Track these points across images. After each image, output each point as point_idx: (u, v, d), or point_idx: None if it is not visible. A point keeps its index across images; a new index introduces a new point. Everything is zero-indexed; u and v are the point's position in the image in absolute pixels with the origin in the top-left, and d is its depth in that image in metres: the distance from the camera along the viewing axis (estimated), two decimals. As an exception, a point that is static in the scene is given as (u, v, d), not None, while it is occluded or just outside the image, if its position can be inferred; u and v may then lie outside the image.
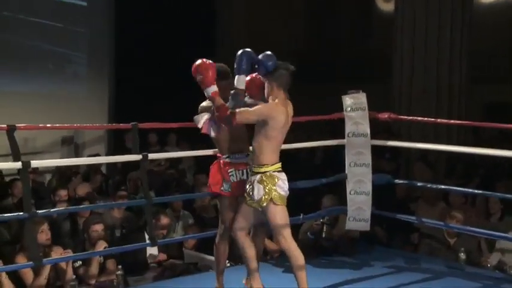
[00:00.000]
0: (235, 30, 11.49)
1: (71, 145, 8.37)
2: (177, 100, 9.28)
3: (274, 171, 3.47)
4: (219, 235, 3.82)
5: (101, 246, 4.48)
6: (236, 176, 3.70)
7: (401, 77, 8.97)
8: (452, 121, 6.99)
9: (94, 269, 4.47)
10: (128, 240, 4.70)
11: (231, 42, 11.15)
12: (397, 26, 9.06)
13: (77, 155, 8.19)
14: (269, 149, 3.46)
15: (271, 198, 3.44)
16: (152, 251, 4.97)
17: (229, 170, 3.69)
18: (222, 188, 3.71)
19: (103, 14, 8.77)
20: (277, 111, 3.42)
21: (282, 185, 3.47)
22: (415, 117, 5.52)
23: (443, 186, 5.06)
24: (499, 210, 5.50)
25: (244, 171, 3.69)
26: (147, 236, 4.87)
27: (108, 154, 8.21)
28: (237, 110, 3.37)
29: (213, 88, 3.42)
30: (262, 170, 3.46)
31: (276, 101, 3.45)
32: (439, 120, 5.52)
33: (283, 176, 3.50)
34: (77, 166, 7.14)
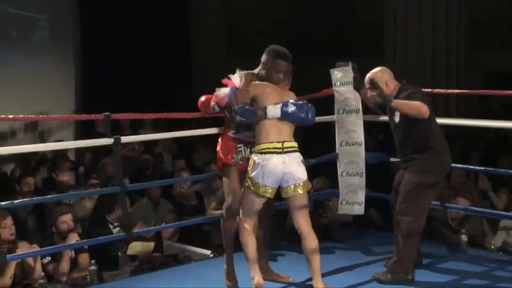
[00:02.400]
0: (210, 4, 11.42)
1: (35, 131, 8.29)
2: (150, 77, 9.26)
3: (257, 152, 3.54)
4: (226, 212, 3.82)
5: (72, 239, 4.46)
6: (244, 152, 3.77)
7: (394, 48, 8.97)
8: (450, 90, 7.01)
9: (65, 264, 4.44)
10: (94, 232, 4.67)
11: (207, 20, 11.11)
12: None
13: (42, 141, 8.12)
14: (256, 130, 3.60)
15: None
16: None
17: (238, 146, 3.78)
18: (233, 160, 3.77)
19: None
20: (262, 85, 3.60)
21: (255, 167, 3.50)
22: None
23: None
24: (489, 186, 5.58)
25: (249, 150, 3.76)
26: (110, 226, 4.86)
27: (76, 139, 8.14)
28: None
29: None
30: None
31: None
32: (436, 90, 5.52)
33: (266, 156, 3.49)
34: (44, 154, 7.09)
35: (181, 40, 10.44)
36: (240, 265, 3.83)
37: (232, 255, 3.91)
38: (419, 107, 3.74)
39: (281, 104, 3.57)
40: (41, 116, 3.88)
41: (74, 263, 4.54)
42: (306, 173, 3.58)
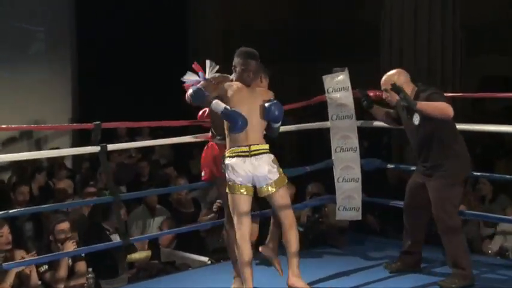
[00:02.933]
0: (207, 8, 11.43)
1: (31, 139, 8.30)
2: (147, 87, 9.27)
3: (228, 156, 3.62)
4: (228, 223, 3.85)
5: (70, 247, 4.46)
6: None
7: (390, 51, 8.99)
8: (445, 94, 7.00)
9: (62, 272, 4.42)
10: (91, 240, 4.68)
11: (204, 21, 11.10)
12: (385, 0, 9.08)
13: (39, 149, 8.12)
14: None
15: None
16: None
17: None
18: (223, 170, 3.74)
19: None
20: (229, 86, 3.67)
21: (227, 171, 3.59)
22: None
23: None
24: (490, 192, 5.59)
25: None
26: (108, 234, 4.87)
27: (73, 147, 8.15)
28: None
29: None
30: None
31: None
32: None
33: (233, 160, 3.58)
34: (40, 162, 7.10)
35: (179, 44, 10.44)
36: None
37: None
38: (445, 108, 3.69)
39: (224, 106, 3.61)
40: (32, 125, 3.93)
41: (71, 271, 4.54)
42: (277, 171, 3.63)
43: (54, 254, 4.38)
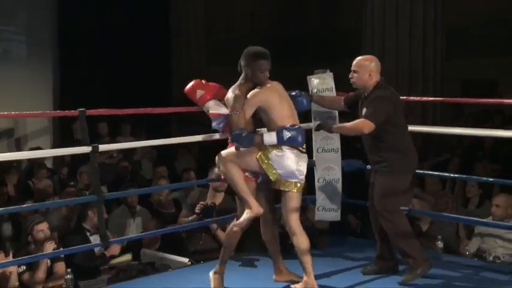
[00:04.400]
0: (192, 7, 11.42)
1: (11, 138, 8.23)
2: (131, 85, 9.22)
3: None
4: (239, 221, 3.85)
5: (49, 248, 4.43)
6: None
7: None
8: (425, 98, 7.09)
9: (41, 273, 4.40)
10: (70, 240, 4.65)
11: (187, 26, 11.10)
12: (367, 2, 9.13)
13: (18, 149, 8.05)
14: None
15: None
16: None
17: None
18: (247, 174, 3.82)
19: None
20: (263, 93, 3.72)
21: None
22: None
23: (416, 171, 5.12)
24: (477, 194, 5.62)
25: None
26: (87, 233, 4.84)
27: (54, 147, 8.09)
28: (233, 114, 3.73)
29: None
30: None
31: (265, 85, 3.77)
32: (411, 98, 5.60)
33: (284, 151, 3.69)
34: (18, 162, 7.03)
35: (162, 48, 10.41)
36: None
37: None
38: (359, 127, 3.90)
39: (276, 132, 3.70)
40: (13, 113, 3.91)
41: (50, 272, 4.51)
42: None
43: (33, 255, 4.35)
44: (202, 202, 4.91)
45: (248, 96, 3.74)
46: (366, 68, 4.04)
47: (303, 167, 3.77)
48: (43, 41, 8.65)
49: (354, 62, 4.12)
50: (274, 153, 3.69)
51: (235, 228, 3.87)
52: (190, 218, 4.98)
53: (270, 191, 3.91)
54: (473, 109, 9.05)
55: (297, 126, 3.73)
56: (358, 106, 4.11)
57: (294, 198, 3.75)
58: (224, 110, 3.90)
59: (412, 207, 4.99)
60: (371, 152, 4.09)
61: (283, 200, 3.78)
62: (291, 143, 3.70)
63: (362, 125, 3.90)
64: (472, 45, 10.20)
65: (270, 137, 3.70)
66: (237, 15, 11.68)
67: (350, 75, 4.12)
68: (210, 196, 4.94)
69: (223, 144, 4.02)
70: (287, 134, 3.67)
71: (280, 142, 3.68)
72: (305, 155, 3.80)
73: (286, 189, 3.73)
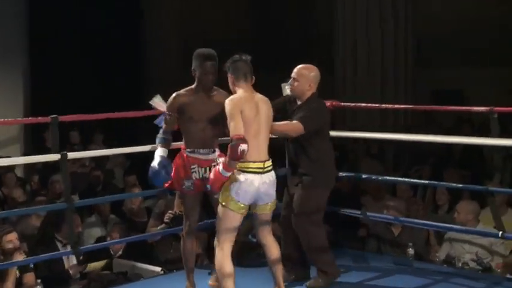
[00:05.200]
0: (164, 15, 11.38)
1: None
2: (103, 93, 9.14)
3: (239, 170, 3.47)
4: (184, 233, 3.90)
5: (18, 258, 4.35)
6: (199, 173, 3.78)
7: (344, 61, 9.12)
8: (397, 105, 7.14)
9: (9, 285, 4.33)
10: (41, 251, 4.58)
11: (159, 28, 11.06)
12: (338, 10, 9.21)
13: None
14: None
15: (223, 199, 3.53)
16: (73, 261, 4.86)
17: (192, 166, 3.78)
18: (184, 186, 3.79)
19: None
20: (238, 104, 3.49)
21: (238, 189, 3.47)
22: (358, 104, 5.63)
23: (388, 178, 5.18)
24: (446, 201, 5.69)
25: (208, 168, 3.75)
26: (59, 245, 4.78)
27: (25, 155, 7.97)
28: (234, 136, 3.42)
29: None
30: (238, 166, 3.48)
31: (238, 93, 3.57)
32: (383, 105, 5.67)
33: (249, 176, 3.48)
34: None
35: (134, 55, 10.35)
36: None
37: (193, 273, 3.99)
38: (289, 128, 3.89)
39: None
40: None
41: (19, 283, 4.43)
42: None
43: (0, 264, 4.27)
44: (170, 211, 4.88)
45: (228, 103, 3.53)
46: (307, 78, 4.02)
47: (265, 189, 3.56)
48: (13, 48, 8.53)
49: (296, 70, 4.08)
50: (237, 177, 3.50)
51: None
52: (159, 228, 4.95)
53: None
54: (443, 118, 9.17)
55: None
56: (288, 113, 4.10)
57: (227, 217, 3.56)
58: (163, 107, 3.90)
59: (386, 213, 5.04)
60: (295, 164, 4.09)
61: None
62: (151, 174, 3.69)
63: (292, 126, 3.89)
64: (445, 53, 10.35)
65: (160, 153, 3.75)
66: (212, 22, 11.66)
67: (290, 82, 4.09)
68: (177, 204, 4.91)
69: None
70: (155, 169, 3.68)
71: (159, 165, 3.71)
72: (267, 175, 3.56)
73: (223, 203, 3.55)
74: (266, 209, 3.64)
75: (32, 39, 8.74)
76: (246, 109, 3.48)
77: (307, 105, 4.02)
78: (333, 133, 4.75)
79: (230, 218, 3.54)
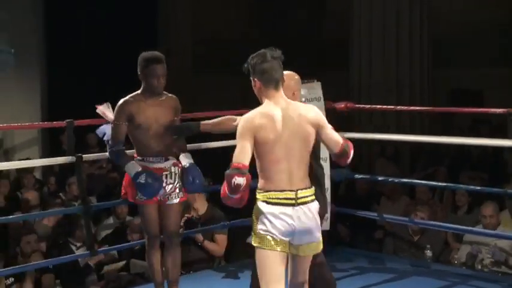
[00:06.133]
0: (178, 18, 11.42)
1: (0, 149, 8.17)
2: (119, 95, 9.15)
3: (263, 201, 2.77)
4: (147, 246, 3.71)
5: (36, 259, 4.39)
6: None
7: (359, 64, 9.07)
8: (412, 107, 7.09)
9: (28, 285, 4.37)
10: (55, 254, 4.60)
11: (173, 29, 11.08)
12: (354, 12, 9.17)
13: (7, 159, 7.98)
14: (261, 169, 2.80)
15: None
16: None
17: None
18: (136, 197, 3.56)
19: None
20: (249, 125, 2.76)
21: (265, 221, 2.75)
22: (373, 106, 5.61)
23: (405, 180, 5.14)
24: (466, 202, 5.63)
25: (160, 177, 3.51)
26: (73, 247, 4.78)
27: (42, 158, 8.03)
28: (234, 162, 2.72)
29: None
30: (257, 196, 2.82)
31: (264, 103, 2.84)
32: (398, 107, 5.63)
33: (276, 209, 2.74)
34: (7, 172, 6.98)
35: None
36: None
37: (162, 286, 3.79)
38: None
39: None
40: (1, 125, 3.91)
41: (39, 284, 4.46)
42: (319, 229, 2.86)
43: (20, 266, 4.30)
44: (187, 215, 4.86)
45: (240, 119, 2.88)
46: (288, 87, 3.29)
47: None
48: (30, 51, 8.59)
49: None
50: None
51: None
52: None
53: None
54: (460, 120, 9.09)
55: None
56: None
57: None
58: (110, 116, 3.65)
59: (415, 217, 4.96)
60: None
61: None
62: (140, 190, 3.40)
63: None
64: (460, 54, 10.26)
65: (134, 167, 3.41)
66: (223, 23, 11.66)
67: None
68: (193, 208, 4.88)
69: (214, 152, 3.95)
70: (142, 179, 3.38)
71: (134, 180, 3.40)
72: (303, 208, 2.77)
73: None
74: (304, 251, 2.82)
75: (49, 43, 8.80)
76: (261, 131, 2.74)
77: None
78: (348, 135, 4.76)
79: (266, 260, 2.76)
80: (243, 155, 2.72)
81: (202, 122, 3.50)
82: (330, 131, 2.85)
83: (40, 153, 8.46)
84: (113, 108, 3.66)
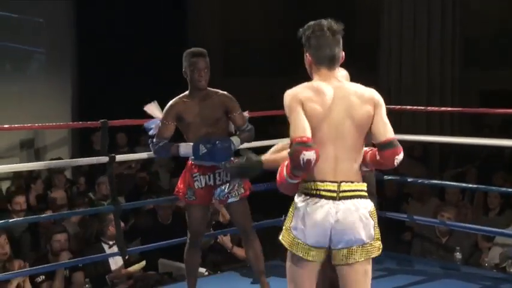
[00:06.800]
0: (207, 17, 11.46)
1: (31, 148, 8.29)
2: (149, 96, 9.22)
3: (301, 192, 2.41)
4: (187, 244, 3.75)
5: (65, 257, 4.45)
6: (201, 182, 3.56)
7: (389, 67, 9.00)
8: (443, 108, 7.02)
9: (58, 283, 4.43)
10: (87, 251, 4.65)
11: (203, 31, 11.12)
12: (384, 14, 9.11)
13: (38, 159, 8.11)
14: None
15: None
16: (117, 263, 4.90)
17: (193, 174, 3.57)
18: (186, 196, 3.61)
19: (61, 4, 8.69)
20: (295, 96, 2.39)
21: (298, 221, 2.38)
22: (403, 107, 5.56)
23: (435, 181, 5.08)
24: (498, 204, 5.55)
25: (212, 176, 3.54)
26: (105, 246, 4.82)
27: (73, 157, 8.13)
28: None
29: None
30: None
31: (313, 80, 2.49)
32: (429, 108, 5.58)
33: (313, 203, 2.36)
34: (38, 172, 7.08)
35: (178, 58, 10.42)
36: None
37: (195, 286, 3.82)
38: None
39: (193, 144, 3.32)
40: (36, 125, 3.97)
41: (68, 282, 4.52)
42: (373, 231, 2.43)
43: (50, 264, 4.37)
44: (215, 220, 4.83)
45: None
46: None
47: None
48: (62, 52, 8.73)
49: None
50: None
51: None
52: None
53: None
54: (489, 121, 8.97)
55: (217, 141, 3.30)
56: None
57: None
58: (158, 114, 3.66)
59: (441, 218, 4.90)
60: None
61: None
62: (212, 159, 3.29)
63: None
64: (491, 55, 10.11)
65: (186, 148, 3.38)
66: (254, 26, 11.67)
67: None
68: (223, 214, 4.86)
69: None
70: (203, 149, 3.33)
71: (196, 156, 3.37)
72: (347, 203, 2.37)
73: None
74: (338, 259, 2.41)
75: (80, 44, 8.92)
76: (308, 102, 2.37)
77: None
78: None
79: (294, 266, 2.43)
80: (301, 127, 2.32)
81: (264, 160, 2.62)
82: (385, 115, 2.45)
83: (70, 153, 8.58)
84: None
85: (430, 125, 8.50)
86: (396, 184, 6.01)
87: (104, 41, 8.93)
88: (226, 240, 4.73)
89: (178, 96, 3.62)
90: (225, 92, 3.62)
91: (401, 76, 8.92)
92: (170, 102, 3.59)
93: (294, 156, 2.29)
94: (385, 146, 2.42)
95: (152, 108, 3.72)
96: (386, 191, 6.17)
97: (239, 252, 4.77)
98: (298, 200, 2.41)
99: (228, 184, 3.55)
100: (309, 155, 2.27)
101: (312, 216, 2.35)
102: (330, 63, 2.47)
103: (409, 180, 5.18)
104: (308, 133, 2.32)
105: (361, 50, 10.52)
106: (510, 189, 5.03)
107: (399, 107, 5.80)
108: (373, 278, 4.27)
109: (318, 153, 2.30)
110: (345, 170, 2.39)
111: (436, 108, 6.46)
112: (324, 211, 2.35)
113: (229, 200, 3.57)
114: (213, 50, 11.48)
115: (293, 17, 12.60)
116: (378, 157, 2.45)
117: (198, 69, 3.49)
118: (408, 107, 5.57)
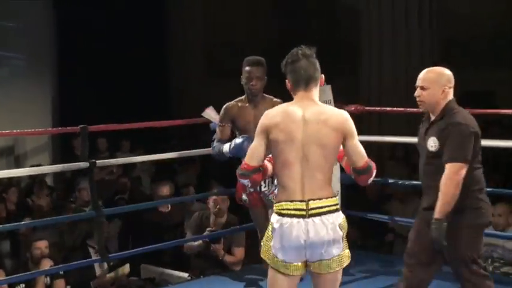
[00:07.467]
0: (190, 20, 11.44)
1: (11, 155, 8.21)
2: (130, 100, 9.19)
3: (276, 213, 2.60)
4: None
5: (46, 265, 4.40)
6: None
7: (369, 69, 9.05)
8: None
9: (39, 291, 4.38)
10: (71, 257, 4.62)
11: (185, 39, 11.10)
12: (363, 16, 9.17)
13: (18, 166, 8.03)
14: (276, 174, 2.70)
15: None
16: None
17: None
18: (242, 199, 3.78)
19: (42, 6, 8.62)
20: (264, 120, 2.64)
21: (276, 239, 2.57)
22: (383, 108, 5.60)
23: (416, 182, 5.08)
24: None
25: (262, 181, 3.52)
26: (91, 251, 4.80)
27: (54, 164, 8.06)
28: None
29: None
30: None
31: (293, 101, 2.71)
32: (409, 109, 5.60)
33: (287, 223, 2.54)
34: (18, 179, 7.01)
35: (160, 61, 10.39)
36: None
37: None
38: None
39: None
40: (15, 131, 3.96)
41: (50, 289, 4.48)
42: (342, 242, 2.62)
43: (31, 272, 4.32)
44: (209, 229, 4.81)
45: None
46: (439, 83, 3.17)
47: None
48: (41, 57, 8.66)
49: (421, 76, 3.25)
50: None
51: None
52: (196, 244, 4.84)
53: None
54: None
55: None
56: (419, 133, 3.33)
57: None
58: (215, 117, 3.91)
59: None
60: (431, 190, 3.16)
61: None
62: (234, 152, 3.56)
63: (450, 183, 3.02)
64: (470, 56, 10.20)
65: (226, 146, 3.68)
66: (237, 27, 11.66)
67: (416, 94, 3.25)
68: (212, 221, 4.85)
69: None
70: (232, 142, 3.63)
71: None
72: (315, 220, 2.55)
73: None
74: (321, 269, 2.61)
75: (60, 49, 8.86)
76: (274, 128, 2.58)
77: (444, 123, 3.10)
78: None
79: (276, 280, 2.62)
80: (252, 155, 2.63)
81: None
82: (357, 142, 2.63)
83: (50, 159, 8.52)
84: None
85: (411, 126, 8.55)
86: (378, 185, 6.03)
87: (84, 44, 8.89)
88: (219, 248, 4.70)
89: (235, 100, 3.80)
90: (279, 100, 3.67)
91: (381, 77, 8.97)
92: (225, 105, 3.79)
93: (238, 176, 2.68)
94: (360, 172, 2.69)
95: (209, 112, 3.95)
96: (368, 193, 6.19)
97: (230, 259, 4.74)
98: (273, 220, 2.60)
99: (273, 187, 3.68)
100: (244, 182, 2.67)
101: (287, 236, 2.54)
102: (306, 84, 2.66)
103: (390, 181, 5.19)
104: (254, 162, 2.62)
105: (342, 51, 10.60)
106: (496, 189, 5.04)
107: (379, 108, 5.86)
108: (357, 279, 4.34)
109: (255, 179, 2.65)
110: (312, 188, 2.57)
111: (416, 110, 6.49)
112: (296, 230, 2.54)
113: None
114: (197, 51, 11.55)
115: (277, 19, 12.66)
116: (352, 175, 2.76)
117: (250, 78, 3.67)
118: (388, 108, 5.60)
